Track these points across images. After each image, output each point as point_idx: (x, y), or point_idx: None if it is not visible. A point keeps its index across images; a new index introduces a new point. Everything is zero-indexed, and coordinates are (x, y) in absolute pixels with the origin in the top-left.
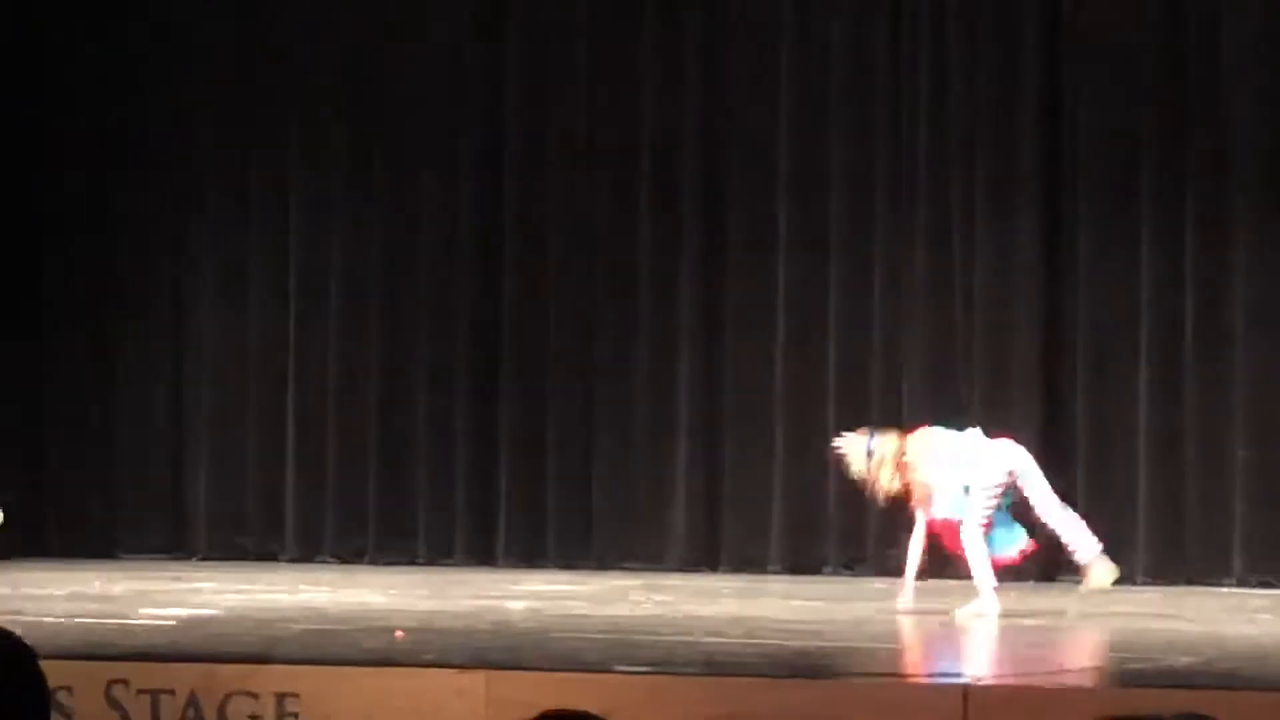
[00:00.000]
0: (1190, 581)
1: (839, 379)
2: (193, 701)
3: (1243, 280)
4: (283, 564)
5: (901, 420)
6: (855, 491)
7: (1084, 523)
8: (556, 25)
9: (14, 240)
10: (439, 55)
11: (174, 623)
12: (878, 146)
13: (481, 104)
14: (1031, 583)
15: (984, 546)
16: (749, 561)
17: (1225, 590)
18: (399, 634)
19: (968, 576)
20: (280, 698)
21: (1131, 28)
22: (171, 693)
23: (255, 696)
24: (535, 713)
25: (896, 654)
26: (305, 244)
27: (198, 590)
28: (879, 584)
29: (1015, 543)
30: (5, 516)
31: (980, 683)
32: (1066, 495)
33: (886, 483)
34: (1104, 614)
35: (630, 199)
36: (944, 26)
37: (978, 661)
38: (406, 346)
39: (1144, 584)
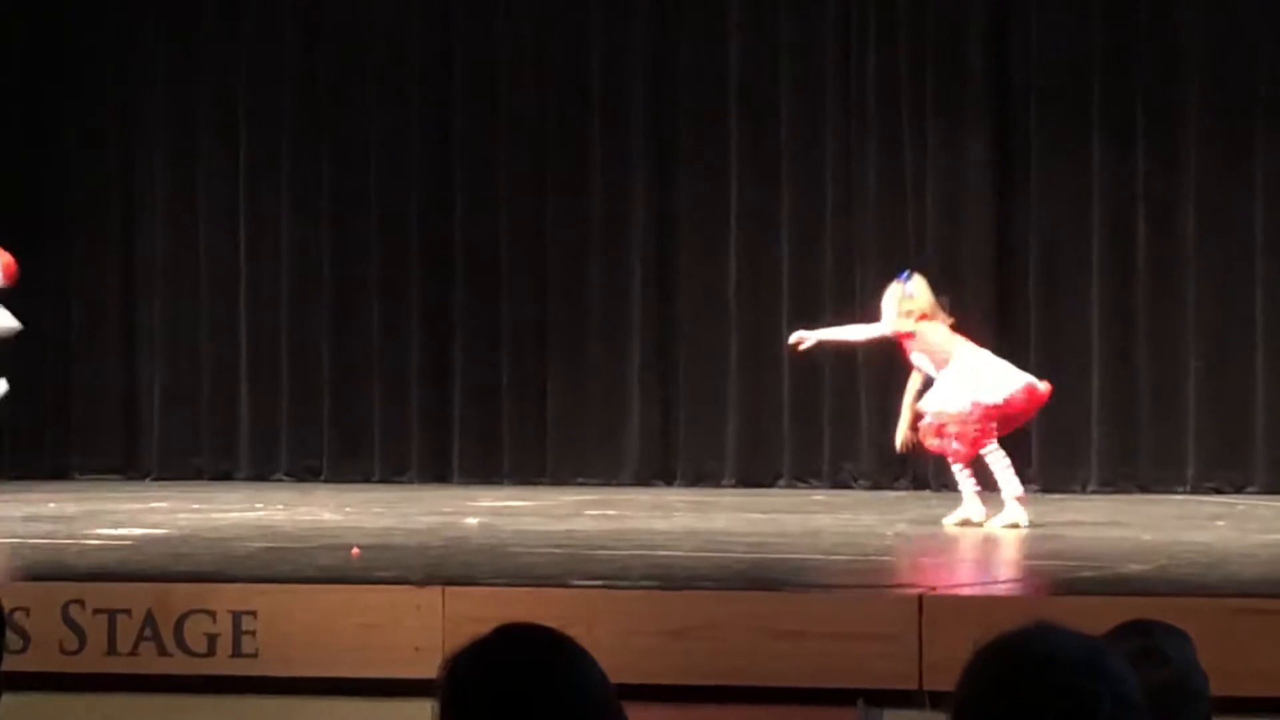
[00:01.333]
0: (1143, 490)
1: (792, 294)
2: (149, 620)
3: (1193, 191)
4: (238, 483)
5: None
6: (809, 404)
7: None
8: None
9: None
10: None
11: (129, 543)
12: (827, 59)
13: (430, 18)
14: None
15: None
16: (703, 476)
17: (1179, 498)
18: (355, 551)
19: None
20: (237, 615)
21: None
22: (128, 612)
23: (212, 614)
24: (491, 627)
25: (851, 565)
26: (255, 160)
27: (152, 510)
28: (828, 496)
29: None
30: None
31: (935, 592)
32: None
33: (896, 315)
34: (1057, 523)
35: (581, 115)
36: None
37: (930, 572)
38: (359, 264)
39: (1095, 492)
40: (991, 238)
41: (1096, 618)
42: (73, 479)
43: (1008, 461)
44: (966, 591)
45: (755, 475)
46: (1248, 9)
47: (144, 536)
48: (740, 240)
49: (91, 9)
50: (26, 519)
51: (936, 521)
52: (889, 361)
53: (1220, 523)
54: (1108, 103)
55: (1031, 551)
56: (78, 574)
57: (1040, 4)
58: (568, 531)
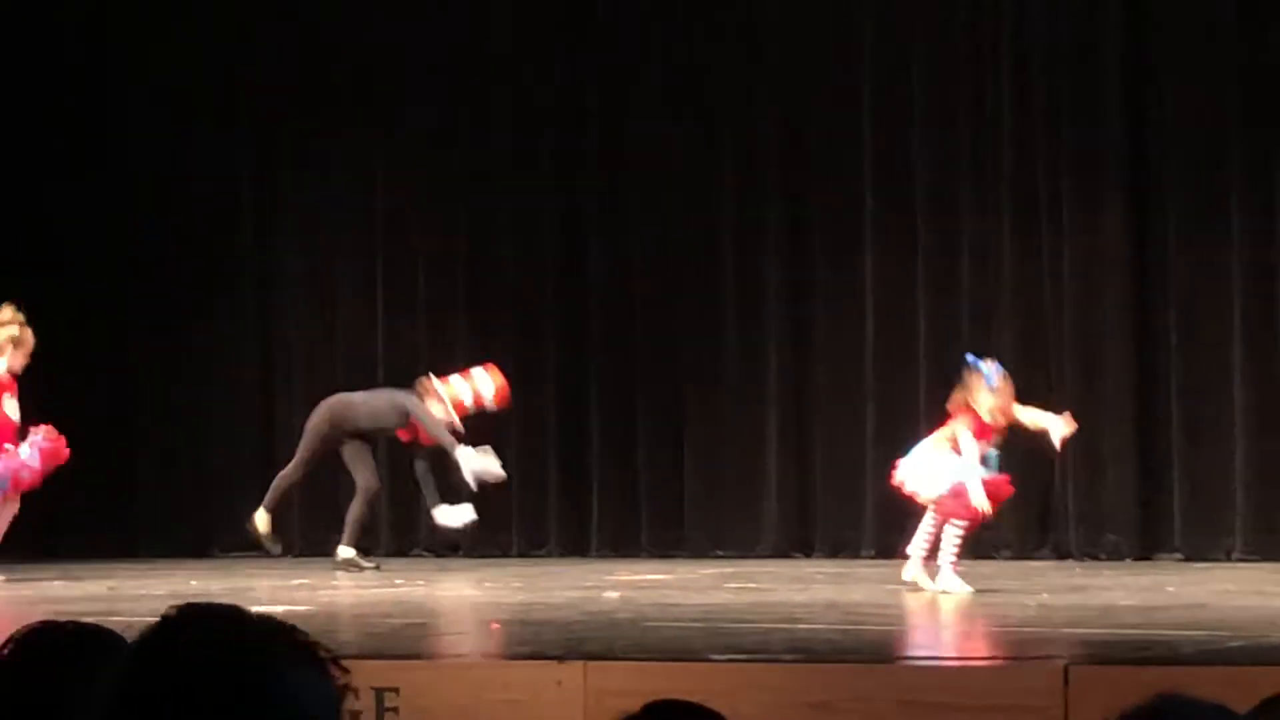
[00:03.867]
0: None
1: (928, 363)
2: None
3: None
4: (377, 559)
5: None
6: None
7: None
8: (635, 15)
9: (101, 242)
10: (522, 33)
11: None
12: (961, 129)
13: (563, 95)
14: (1128, 561)
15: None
16: (842, 546)
17: None
18: (495, 626)
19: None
20: (379, 692)
21: (1215, 6)
22: None
23: (354, 692)
24: (633, 701)
25: (993, 635)
26: (389, 242)
27: (294, 587)
28: (969, 566)
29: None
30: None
31: (1080, 662)
32: (1160, 476)
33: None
34: (1203, 591)
35: (714, 187)
36: (1026, 10)
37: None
38: (494, 339)
39: (1241, 560)
40: (1130, 306)
41: (1244, 688)
42: (213, 556)
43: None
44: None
45: (894, 545)
46: None
47: (286, 614)
48: (876, 310)
49: (228, 93)
50: (169, 597)
51: (1079, 590)
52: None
53: None
54: (1246, 171)
55: (1177, 621)
56: None
57: (1178, 74)
58: (707, 604)
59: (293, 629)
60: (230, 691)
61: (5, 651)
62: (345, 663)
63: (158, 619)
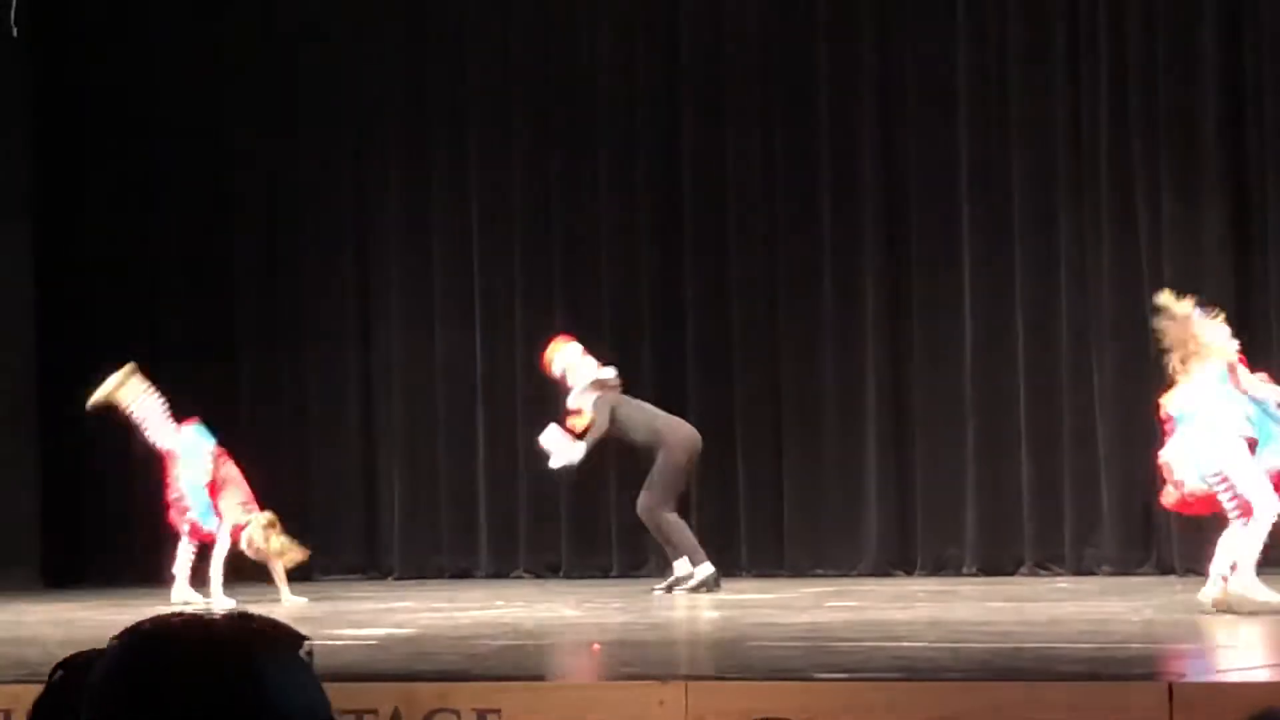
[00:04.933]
0: None
1: (1028, 378)
2: None
3: None
4: (478, 580)
5: (1094, 414)
6: (1049, 489)
7: None
8: (730, 31)
9: (209, 275)
10: (614, 64)
11: (374, 642)
12: (1059, 139)
13: (659, 114)
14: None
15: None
16: (944, 564)
17: None
18: (596, 647)
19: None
20: (481, 714)
21: None
22: (374, 712)
23: (456, 714)
24: None
25: (1098, 653)
26: (488, 259)
27: (395, 609)
28: (1071, 583)
29: None
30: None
31: (1185, 680)
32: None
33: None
34: None
35: (811, 203)
36: (1123, 25)
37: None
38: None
39: None
40: (1231, 316)
41: None
42: (315, 580)
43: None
44: (1218, 679)
45: (996, 562)
46: None
47: (387, 636)
48: (974, 324)
49: (324, 122)
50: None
51: (1184, 608)
52: (1128, 443)
53: None
54: None
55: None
56: (323, 675)
57: (1275, 85)
58: (809, 623)
59: (274, 631)
60: (207, 698)
61: (56, 676)
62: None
63: (124, 633)
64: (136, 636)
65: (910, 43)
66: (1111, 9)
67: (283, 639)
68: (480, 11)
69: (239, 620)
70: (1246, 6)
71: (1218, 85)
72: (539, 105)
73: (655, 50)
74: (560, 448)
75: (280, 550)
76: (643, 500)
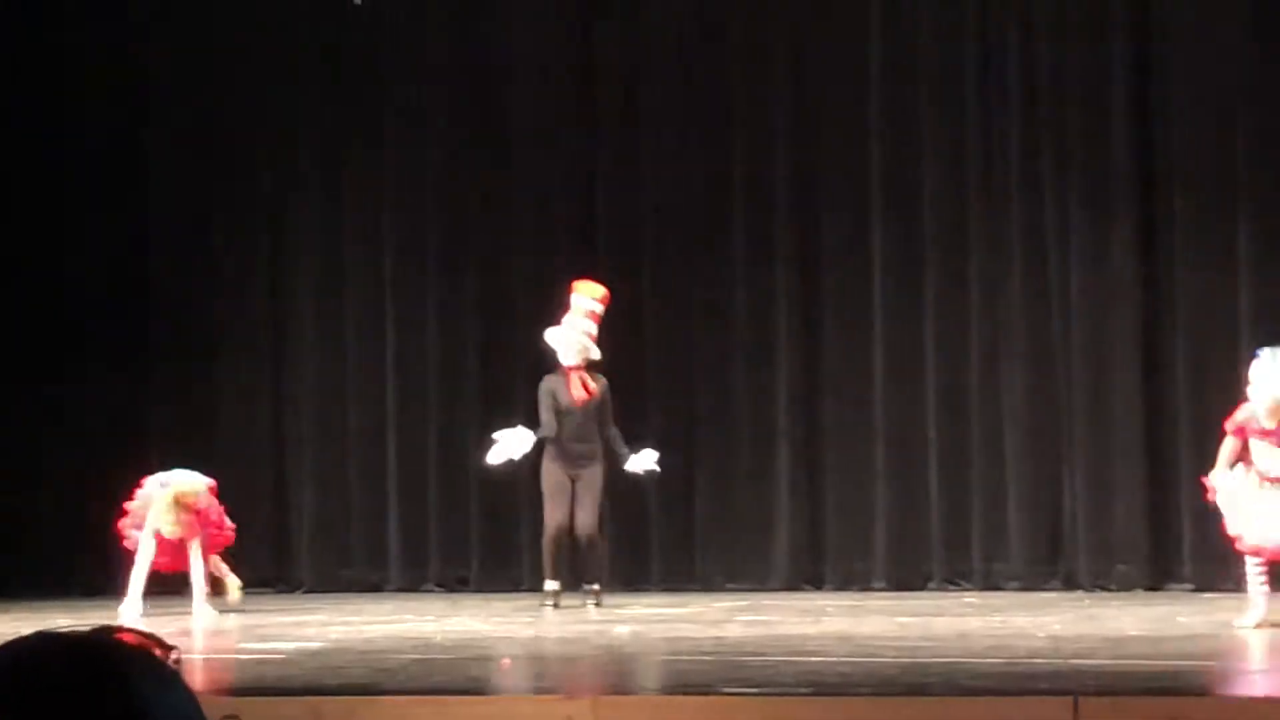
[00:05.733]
0: None
1: (937, 395)
2: None
3: None
4: (388, 594)
5: (1003, 431)
6: (957, 505)
7: None
8: (648, 53)
9: (120, 281)
10: (529, 80)
11: (283, 656)
12: (969, 153)
13: (573, 126)
14: (1139, 591)
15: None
16: (853, 579)
17: None
18: (505, 662)
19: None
20: None
21: (1221, 33)
22: None
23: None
24: None
25: (1004, 668)
26: (400, 277)
27: (304, 623)
28: (980, 598)
29: None
30: None
31: (1090, 693)
32: (1170, 507)
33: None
34: (1213, 619)
35: (724, 218)
36: (1033, 39)
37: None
38: (505, 375)
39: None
40: (1139, 333)
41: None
42: (226, 593)
43: None
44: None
45: (906, 578)
46: None
47: (296, 650)
48: (885, 341)
49: (241, 135)
50: (180, 634)
51: (1090, 622)
52: (1037, 460)
53: None
54: (1252, 202)
55: (1187, 651)
56: (233, 689)
57: (1184, 100)
58: (718, 638)
59: (143, 642)
60: (76, 714)
61: None
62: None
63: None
64: (12, 654)
65: (822, 60)
66: (1021, 26)
67: (152, 650)
68: (396, 30)
69: (105, 633)
70: (1155, 22)
71: (1126, 101)
72: (454, 122)
73: (572, 70)
74: (511, 443)
75: (173, 525)
76: (592, 519)
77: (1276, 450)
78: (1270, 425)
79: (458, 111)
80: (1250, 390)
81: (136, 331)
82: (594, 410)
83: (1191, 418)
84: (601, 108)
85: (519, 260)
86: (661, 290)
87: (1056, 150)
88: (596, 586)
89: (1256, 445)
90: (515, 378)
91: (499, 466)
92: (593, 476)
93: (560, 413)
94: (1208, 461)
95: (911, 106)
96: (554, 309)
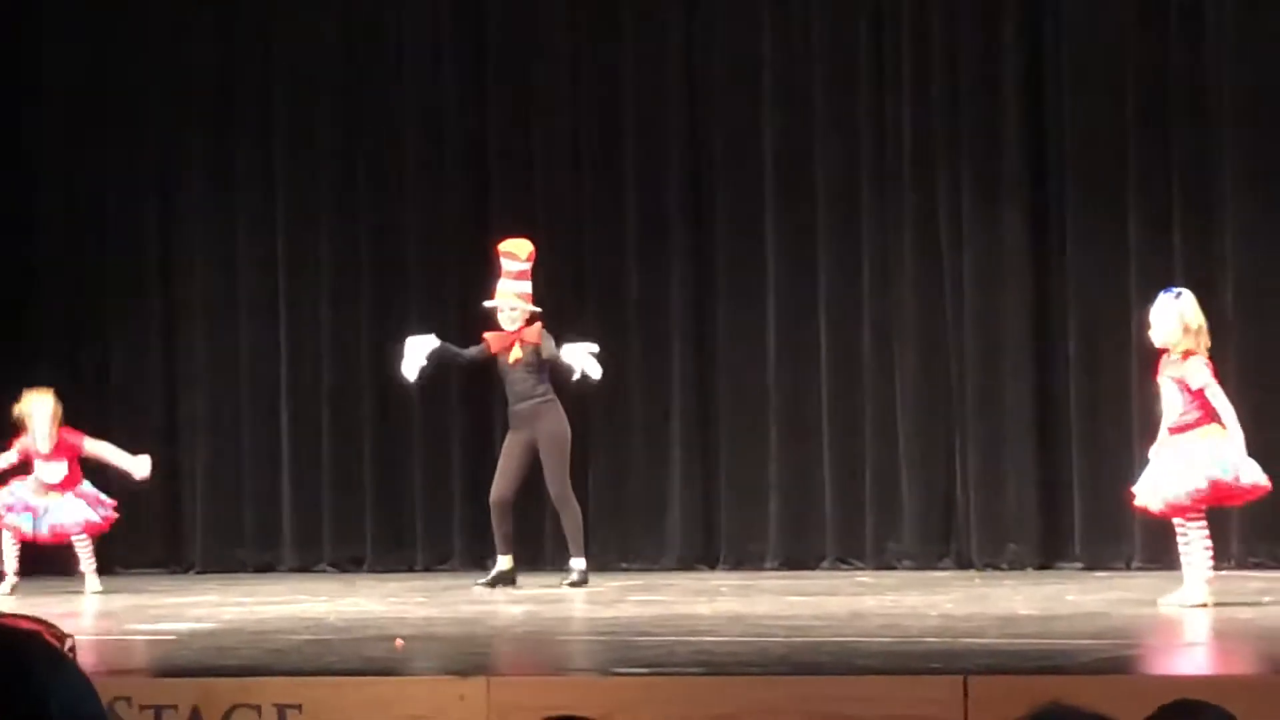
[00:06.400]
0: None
1: (830, 375)
2: (195, 716)
3: (1231, 266)
4: (281, 575)
5: (896, 411)
6: (851, 485)
7: None
8: (539, 27)
9: (6, 253)
10: (420, 61)
11: (174, 638)
12: (862, 138)
13: (465, 109)
14: (1029, 570)
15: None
16: (746, 559)
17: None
18: (399, 642)
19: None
20: (282, 709)
21: (1112, 15)
22: (174, 708)
23: (257, 709)
24: (536, 717)
25: (895, 647)
26: (294, 252)
27: (196, 604)
28: (872, 578)
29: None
30: None
31: (980, 672)
32: (1060, 486)
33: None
34: (1102, 600)
35: (616, 197)
36: (926, 19)
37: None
38: (397, 356)
39: (1140, 569)
40: (1030, 313)
41: (1140, 697)
42: (117, 573)
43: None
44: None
45: (798, 558)
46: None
47: (189, 631)
48: (778, 324)
49: (131, 108)
50: (70, 615)
51: (980, 600)
52: (929, 440)
53: (1267, 598)
54: (1144, 178)
55: (1076, 630)
56: (124, 669)
57: (1075, 81)
58: (612, 618)
59: (34, 627)
60: None
61: None
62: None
63: None
64: None
65: (716, 38)
66: (914, 6)
67: (45, 636)
68: (290, 8)
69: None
70: (1048, 4)
71: (1018, 83)
72: (348, 102)
73: (463, 40)
74: (415, 349)
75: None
76: (558, 487)
77: (1178, 398)
78: (1176, 372)
79: (349, 91)
80: (1151, 333)
81: (22, 314)
82: (531, 370)
83: (1082, 397)
84: (491, 80)
85: (411, 242)
86: (551, 273)
87: (948, 131)
88: (573, 564)
89: (1166, 391)
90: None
91: (415, 380)
92: (550, 440)
93: (502, 377)
94: (1098, 440)
95: (804, 86)
96: (446, 290)
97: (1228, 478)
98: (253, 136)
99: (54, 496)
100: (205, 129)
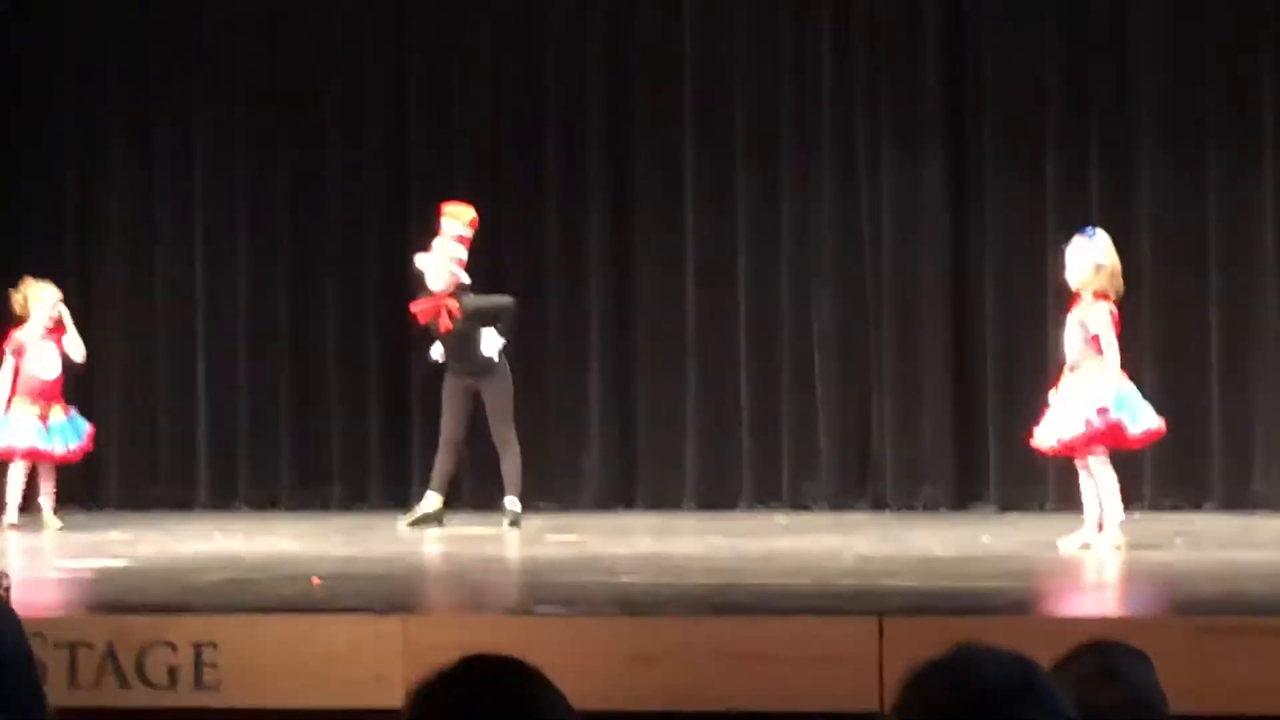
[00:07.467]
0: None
1: (748, 320)
2: (110, 653)
3: (1147, 213)
4: (196, 513)
5: (813, 355)
6: (767, 426)
7: None
8: None
9: None
10: (341, 13)
11: (89, 574)
12: (782, 86)
13: (384, 60)
14: (944, 511)
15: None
16: (664, 499)
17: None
18: (315, 581)
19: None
20: (198, 647)
21: None
22: (89, 645)
23: (173, 647)
24: (452, 655)
25: (810, 589)
26: (210, 186)
27: (111, 541)
28: (788, 518)
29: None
30: None
31: (894, 614)
32: (975, 428)
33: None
34: (1018, 542)
35: (535, 146)
36: None
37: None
38: (316, 291)
39: (1054, 511)
40: (948, 261)
41: (1054, 638)
42: (31, 511)
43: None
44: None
45: (715, 498)
46: (1199, 35)
47: (103, 568)
48: (697, 267)
49: (49, 45)
50: None
51: (895, 542)
52: (845, 383)
53: (1179, 540)
54: (1061, 125)
55: (991, 572)
56: (39, 607)
57: (993, 28)
58: (529, 558)
59: None
60: None
61: None
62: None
63: None
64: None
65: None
66: None
67: None
68: None
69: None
70: None
71: (938, 32)
72: (266, 37)
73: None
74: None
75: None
76: (500, 430)
77: (1078, 339)
78: (1081, 314)
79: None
80: (1065, 273)
81: None
82: (467, 330)
83: (997, 342)
84: (413, 50)
85: (329, 179)
86: (476, 207)
87: (868, 77)
88: (508, 504)
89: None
90: (326, 293)
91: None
92: (492, 388)
93: (437, 338)
94: (1013, 384)
95: (726, 34)
96: (364, 231)
97: (1121, 416)
98: (171, 80)
99: (56, 412)
100: (122, 86)
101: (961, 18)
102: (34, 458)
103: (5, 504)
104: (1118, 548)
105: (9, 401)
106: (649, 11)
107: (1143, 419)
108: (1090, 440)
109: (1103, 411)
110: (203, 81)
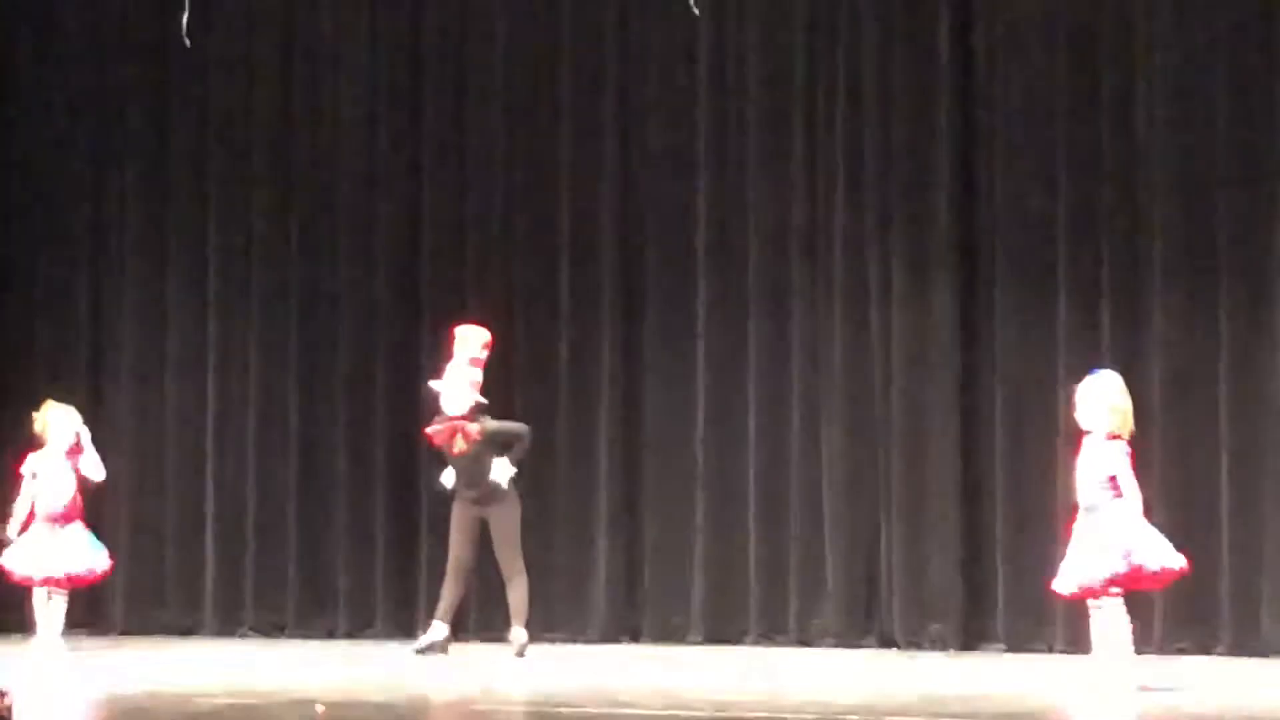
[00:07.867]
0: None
1: (758, 450)
2: None
3: (1158, 349)
4: (203, 638)
5: (822, 488)
6: (775, 560)
7: None
8: (473, 90)
9: None
10: (356, 127)
11: (95, 697)
12: (794, 214)
13: (400, 176)
14: (952, 651)
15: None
16: (670, 632)
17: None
18: (320, 709)
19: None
20: None
21: (1043, 100)
22: None
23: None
24: None
25: None
26: (223, 311)
27: (118, 666)
28: (795, 653)
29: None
30: None
31: None
32: (984, 567)
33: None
34: (1025, 681)
35: (548, 278)
36: (859, 100)
37: None
38: (325, 420)
39: (1061, 653)
40: (956, 393)
41: None
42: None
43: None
44: None
45: (722, 632)
46: (1211, 169)
47: (109, 694)
48: (707, 397)
49: (62, 160)
50: None
51: (902, 678)
52: (854, 518)
53: (1189, 683)
54: (1072, 260)
55: (999, 711)
56: None
57: (1006, 163)
58: (534, 688)
59: None
60: None
61: None
62: None
63: None
64: None
65: (650, 112)
66: (848, 78)
67: None
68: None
69: None
70: (979, 79)
71: (950, 158)
72: (280, 157)
73: (398, 92)
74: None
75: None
76: (508, 561)
77: (1093, 479)
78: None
79: (282, 149)
80: (1077, 413)
81: None
82: (480, 455)
83: (1007, 479)
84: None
85: (342, 301)
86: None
87: (880, 209)
88: (514, 635)
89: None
90: (333, 423)
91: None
92: (500, 515)
93: (449, 462)
94: (1022, 522)
95: (738, 165)
96: (377, 351)
97: (1141, 560)
98: (186, 186)
99: (74, 532)
100: (138, 188)
101: (974, 153)
102: (51, 584)
103: (36, 626)
104: (1140, 689)
105: (26, 525)
106: (661, 140)
107: (1164, 559)
108: (1111, 582)
109: (1127, 554)
110: (216, 198)
